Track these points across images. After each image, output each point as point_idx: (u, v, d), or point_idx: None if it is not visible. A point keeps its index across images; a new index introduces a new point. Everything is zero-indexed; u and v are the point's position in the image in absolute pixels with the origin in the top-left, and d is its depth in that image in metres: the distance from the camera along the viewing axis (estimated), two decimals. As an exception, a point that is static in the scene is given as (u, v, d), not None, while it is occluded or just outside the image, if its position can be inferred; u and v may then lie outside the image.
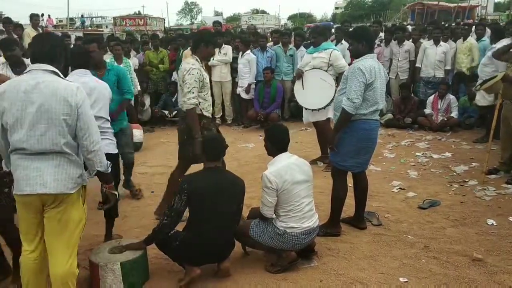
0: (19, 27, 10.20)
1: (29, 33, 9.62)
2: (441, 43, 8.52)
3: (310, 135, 7.60)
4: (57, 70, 2.68)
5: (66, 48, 2.92)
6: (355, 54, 4.10)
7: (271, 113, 8.62)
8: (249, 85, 8.94)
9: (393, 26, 12.97)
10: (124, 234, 4.30)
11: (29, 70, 2.65)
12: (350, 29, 8.93)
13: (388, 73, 8.83)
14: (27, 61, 7.78)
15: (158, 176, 6.09)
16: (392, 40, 9.09)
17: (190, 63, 4.27)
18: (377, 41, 9.26)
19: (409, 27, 13.81)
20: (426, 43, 8.76)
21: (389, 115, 8.65)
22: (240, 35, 11.12)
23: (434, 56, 8.48)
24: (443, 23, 14.77)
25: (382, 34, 9.94)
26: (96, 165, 2.76)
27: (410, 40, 9.23)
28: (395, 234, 4.16)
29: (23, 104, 2.54)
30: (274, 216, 3.51)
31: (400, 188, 5.38)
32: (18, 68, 4.92)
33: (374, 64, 3.94)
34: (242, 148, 7.48)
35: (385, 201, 4.98)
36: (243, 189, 3.46)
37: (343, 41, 8.63)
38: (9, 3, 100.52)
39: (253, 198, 4.78)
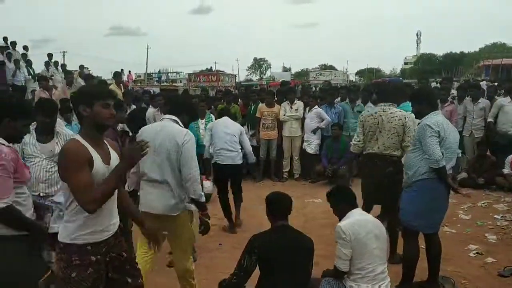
0: (103, 83, 11.08)
1: (113, 89, 10.37)
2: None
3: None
4: (177, 119, 3.68)
5: (189, 104, 4.12)
6: (417, 115, 4.14)
7: (339, 169, 8.58)
8: (318, 128, 8.96)
9: (466, 83, 12.69)
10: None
11: (162, 119, 3.79)
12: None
13: (461, 131, 8.58)
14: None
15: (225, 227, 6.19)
16: (466, 97, 8.87)
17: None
18: (449, 98, 9.08)
19: (484, 83, 13.44)
20: (503, 100, 8.46)
21: (464, 174, 8.29)
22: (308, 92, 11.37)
23: (512, 113, 8.14)
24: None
25: (453, 91, 9.75)
26: (190, 193, 3.57)
27: (485, 98, 8.96)
28: (473, 302, 3.91)
29: (152, 141, 3.32)
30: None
31: (477, 253, 5.08)
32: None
33: (441, 119, 3.94)
34: (309, 204, 7.44)
35: (461, 266, 4.71)
36: (312, 247, 3.44)
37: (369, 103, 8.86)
38: (94, 60, 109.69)
39: (321, 255, 4.70)
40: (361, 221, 3.44)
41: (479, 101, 8.67)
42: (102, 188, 2.45)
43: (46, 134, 4.00)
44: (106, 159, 2.59)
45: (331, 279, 3.53)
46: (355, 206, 3.60)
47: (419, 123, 4.09)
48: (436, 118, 3.91)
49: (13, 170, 2.88)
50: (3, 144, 2.91)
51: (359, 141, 5.05)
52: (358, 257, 3.37)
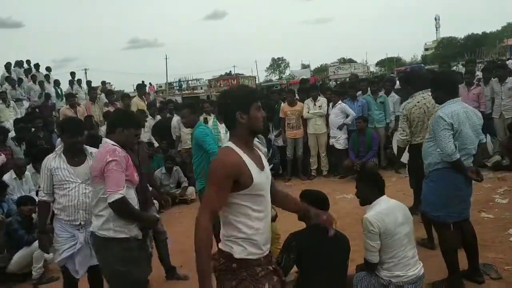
0: (126, 96, 11.23)
1: (137, 102, 10.48)
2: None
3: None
4: None
5: None
6: (437, 101, 4.05)
7: (367, 162, 8.48)
8: (344, 124, 8.90)
9: (491, 63, 12.37)
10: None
11: None
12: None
13: (490, 114, 8.38)
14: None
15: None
16: (492, 78, 8.65)
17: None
18: (474, 81, 8.87)
19: (510, 62, 13.09)
20: None
21: (497, 157, 8.08)
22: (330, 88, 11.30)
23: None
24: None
25: (478, 73, 9.52)
26: None
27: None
28: (516, 289, 3.80)
29: None
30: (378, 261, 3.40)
31: (518, 237, 4.93)
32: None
33: (458, 108, 3.81)
34: (340, 200, 7.38)
35: (502, 252, 4.58)
36: (348, 244, 3.41)
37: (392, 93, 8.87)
38: (115, 74, 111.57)
39: (357, 251, 4.65)
40: (387, 210, 3.39)
41: (506, 81, 8.43)
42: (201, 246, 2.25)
43: (76, 156, 3.78)
44: (260, 165, 2.45)
45: (364, 273, 3.51)
46: (383, 193, 3.54)
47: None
48: (452, 108, 3.79)
49: (125, 167, 3.22)
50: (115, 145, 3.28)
51: (406, 136, 5.01)
52: (389, 246, 3.33)
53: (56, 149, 3.89)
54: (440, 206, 3.80)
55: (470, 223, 4.06)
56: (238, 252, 2.33)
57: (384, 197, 3.52)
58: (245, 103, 2.39)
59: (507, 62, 14.79)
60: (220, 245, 2.42)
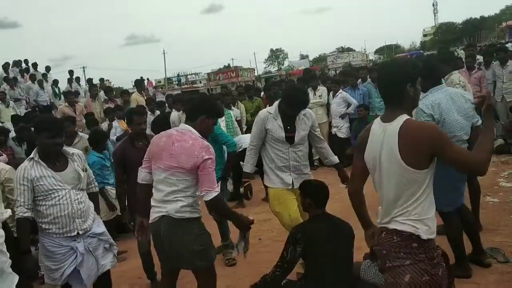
0: (125, 93, 11.19)
1: (136, 98, 10.44)
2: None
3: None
4: None
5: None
6: (422, 90, 3.97)
7: (369, 150, 8.44)
8: (347, 114, 8.89)
9: (491, 46, 12.29)
10: (236, 283, 4.39)
11: None
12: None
13: (493, 96, 8.33)
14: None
15: (262, 222, 6.18)
16: (493, 62, 8.59)
17: None
18: (475, 65, 8.81)
19: (509, 45, 13.00)
20: None
21: (500, 141, 8.03)
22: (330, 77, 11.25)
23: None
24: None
25: (479, 57, 9.46)
26: None
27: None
28: (523, 271, 3.77)
29: None
30: None
31: (524, 220, 4.91)
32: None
33: (440, 96, 3.71)
34: (344, 189, 7.27)
35: (508, 236, 4.55)
36: (352, 232, 3.39)
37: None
38: (113, 71, 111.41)
39: (362, 239, 4.63)
40: None
41: (508, 64, 8.38)
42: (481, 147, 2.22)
43: (56, 160, 3.42)
44: None
45: (371, 262, 3.47)
46: None
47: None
48: (433, 98, 3.71)
49: None
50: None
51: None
52: None
53: (30, 156, 3.41)
54: (435, 195, 3.68)
55: (465, 207, 4.02)
56: (424, 232, 2.24)
57: None
58: (413, 77, 2.32)
59: (507, 45, 14.69)
60: (394, 226, 2.30)
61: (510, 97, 8.33)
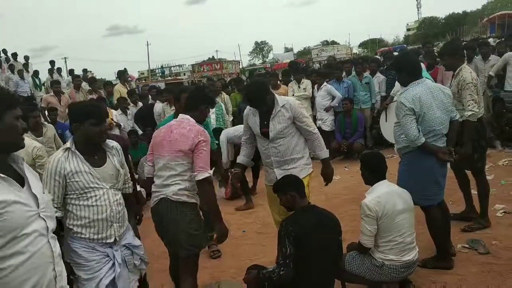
0: (109, 84, 11.03)
1: (119, 89, 10.30)
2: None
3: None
4: None
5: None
6: (401, 84, 4.01)
7: (354, 143, 8.50)
8: (332, 107, 8.89)
9: (473, 41, 12.42)
10: (221, 275, 4.38)
11: None
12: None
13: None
14: (115, 112, 8.48)
15: (247, 215, 6.18)
16: (475, 56, 8.68)
17: None
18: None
19: (491, 40, 13.17)
20: (510, 54, 8.28)
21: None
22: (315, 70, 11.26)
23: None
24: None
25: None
26: None
27: (495, 54, 8.77)
28: (507, 262, 3.83)
29: None
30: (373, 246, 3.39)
31: (504, 212, 4.98)
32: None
33: (420, 90, 3.72)
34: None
35: (489, 227, 4.63)
36: (339, 223, 3.39)
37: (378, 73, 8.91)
38: (95, 63, 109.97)
39: (346, 232, 4.64)
40: (387, 195, 3.36)
41: (490, 58, 8.49)
42: None
43: (95, 153, 2.94)
44: None
45: (356, 253, 3.49)
46: (382, 178, 3.50)
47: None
48: (414, 92, 3.71)
49: None
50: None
51: (478, 108, 4.38)
52: (386, 230, 3.31)
53: (65, 145, 2.92)
54: (413, 189, 3.63)
55: (444, 206, 4.04)
56: None
57: (383, 182, 3.47)
58: None
59: (488, 40, 14.88)
60: None
61: (491, 92, 8.44)
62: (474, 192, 4.92)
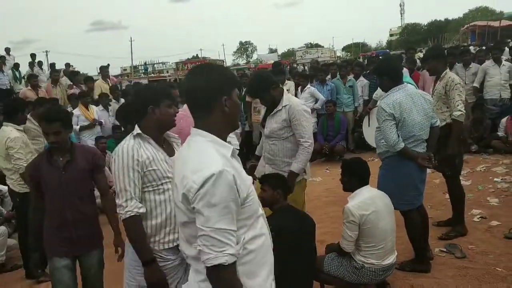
0: (89, 80, 10.86)
1: (100, 85, 10.15)
2: (504, 62, 8.21)
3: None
4: None
5: None
6: (382, 89, 4.04)
7: (336, 145, 8.55)
8: (314, 109, 8.84)
9: (455, 48, 12.63)
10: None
11: None
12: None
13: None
14: (96, 108, 8.34)
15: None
16: (457, 63, 8.83)
17: None
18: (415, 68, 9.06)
19: (471, 48, 13.42)
20: (487, 64, 8.46)
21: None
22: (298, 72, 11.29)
23: (498, 76, 8.17)
24: (509, 40, 14.19)
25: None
26: None
27: (476, 62, 8.94)
28: (482, 267, 3.90)
29: None
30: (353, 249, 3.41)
31: (481, 217, 5.07)
32: None
33: (400, 96, 3.74)
34: (309, 183, 7.32)
35: (466, 235, 4.69)
36: (314, 225, 3.40)
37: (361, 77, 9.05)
38: (78, 57, 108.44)
39: (326, 233, 4.69)
40: (370, 200, 3.38)
41: (470, 66, 8.65)
42: None
43: (162, 142, 2.63)
44: None
45: (335, 254, 3.51)
46: (365, 183, 3.51)
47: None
48: (394, 97, 3.73)
49: None
50: None
51: (464, 109, 4.40)
52: (370, 236, 3.32)
53: (132, 132, 2.55)
54: (393, 194, 3.64)
55: (422, 210, 4.08)
56: None
57: (366, 188, 3.48)
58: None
59: (469, 48, 15.16)
60: None
61: (472, 99, 8.58)
62: (447, 196, 4.97)
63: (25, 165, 4.45)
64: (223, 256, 1.58)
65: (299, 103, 3.86)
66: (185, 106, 3.40)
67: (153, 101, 2.51)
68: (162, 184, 2.47)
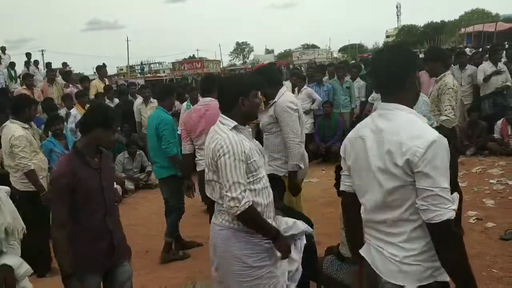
0: (85, 80, 10.83)
1: (96, 85, 10.13)
2: (500, 65, 8.25)
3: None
4: None
5: None
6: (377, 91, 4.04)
7: (332, 146, 8.56)
8: (312, 110, 8.88)
9: (451, 50, 12.68)
10: (197, 276, 4.35)
11: None
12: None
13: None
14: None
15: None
16: (453, 65, 8.86)
17: None
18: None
19: (467, 50, 13.47)
20: (485, 66, 8.49)
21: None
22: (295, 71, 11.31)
23: (496, 78, 8.22)
24: (505, 43, 14.25)
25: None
26: None
27: (471, 64, 8.97)
28: (478, 268, 3.90)
29: None
30: None
31: (477, 219, 5.10)
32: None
33: None
34: (306, 184, 7.35)
35: (463, 236, 4.71)
36: (312, 225, 3.40)
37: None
38: (74, 57, 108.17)
39: (322, 234, 4.68)
40: None
41: (466, 67, 8.68)
42: None
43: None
44: None
45: (334, 257, 3.50)
46: None
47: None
48: None
49: None
50: None
51: (454, 115, 4.39)
52: None
53: (226, 122, 2.57)
54: None
55: None
56: None
57: None
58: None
59: (465, 50, 15.20)
60: None
61: (468, 100, 8.64)
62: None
63: (30, 164, 4.45)
64: (449, 211, 1.75)
65: (286, 100, 3.85)
66: (201, 100, 4.20)
67: (244, 92, 2.58)
68: (257, 173, 2.54)
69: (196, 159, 4.50)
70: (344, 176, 2.19)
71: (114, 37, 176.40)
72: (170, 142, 4.66)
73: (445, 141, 1.79)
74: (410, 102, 1.97)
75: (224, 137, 2.47)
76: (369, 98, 8.17)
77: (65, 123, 7.12)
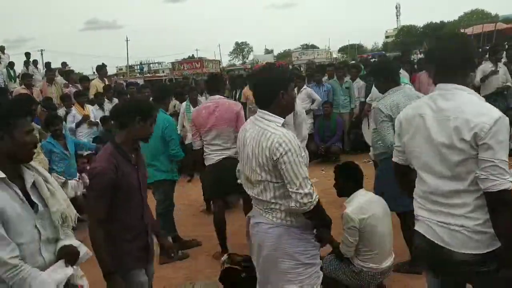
0: (85, 79, 10.79)
1: (96, 84, 10.09)
2: (500, 65, 8.24)
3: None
4: None
5: None
6: (380, 91, 4.03)
7: (332, 146, 8.55)
8: (312, 110, 8.86)
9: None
10: (196, 275, 4.34)
11: None
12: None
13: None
14: (92, 107, 8.29)
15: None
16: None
17: None
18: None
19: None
20: (485, 66, 8.48)
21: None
22: (295, 71, 11.31)
23: (496, 78, 8.21)
24: (505, 43, 14.24)
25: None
26: None
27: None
28: (478, 268, 3.90)
29: None
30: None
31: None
32: None
33: (398, 98, 3.72)
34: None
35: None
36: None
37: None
38: (73, 56, 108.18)
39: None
40: (366, 204, 3.36)
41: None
42: None
43: None
44: None
45: (333, 256, 3.51)
46: (361, 186, 3.51)
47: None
48: (392, 98, 3.73)
49: None
50: None
51: None
52: (369, 239, 3.31)
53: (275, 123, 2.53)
54: (390, 196, 3.61)
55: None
56: None
57: (361, 191, 3.47)
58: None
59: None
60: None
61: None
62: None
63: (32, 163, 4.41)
64: (507, 182, 1.92)
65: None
66: (210, 98, 4.55)
67: (284, 86, 2.57)
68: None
69: (205, 153, 4.62)
70: (397, 151, 2.39)
71: (113, 37, 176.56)
72: (178, 145, 4.84)
73: (507, 120, 1.99)
74: (467, 81, 2.17)
75: (280, 135, 2.43)
76: (367, 99, 8.15)
77: (64, 122, 7.12)
